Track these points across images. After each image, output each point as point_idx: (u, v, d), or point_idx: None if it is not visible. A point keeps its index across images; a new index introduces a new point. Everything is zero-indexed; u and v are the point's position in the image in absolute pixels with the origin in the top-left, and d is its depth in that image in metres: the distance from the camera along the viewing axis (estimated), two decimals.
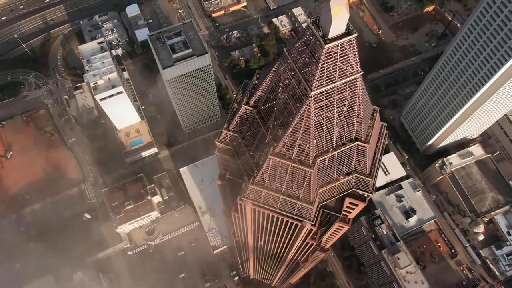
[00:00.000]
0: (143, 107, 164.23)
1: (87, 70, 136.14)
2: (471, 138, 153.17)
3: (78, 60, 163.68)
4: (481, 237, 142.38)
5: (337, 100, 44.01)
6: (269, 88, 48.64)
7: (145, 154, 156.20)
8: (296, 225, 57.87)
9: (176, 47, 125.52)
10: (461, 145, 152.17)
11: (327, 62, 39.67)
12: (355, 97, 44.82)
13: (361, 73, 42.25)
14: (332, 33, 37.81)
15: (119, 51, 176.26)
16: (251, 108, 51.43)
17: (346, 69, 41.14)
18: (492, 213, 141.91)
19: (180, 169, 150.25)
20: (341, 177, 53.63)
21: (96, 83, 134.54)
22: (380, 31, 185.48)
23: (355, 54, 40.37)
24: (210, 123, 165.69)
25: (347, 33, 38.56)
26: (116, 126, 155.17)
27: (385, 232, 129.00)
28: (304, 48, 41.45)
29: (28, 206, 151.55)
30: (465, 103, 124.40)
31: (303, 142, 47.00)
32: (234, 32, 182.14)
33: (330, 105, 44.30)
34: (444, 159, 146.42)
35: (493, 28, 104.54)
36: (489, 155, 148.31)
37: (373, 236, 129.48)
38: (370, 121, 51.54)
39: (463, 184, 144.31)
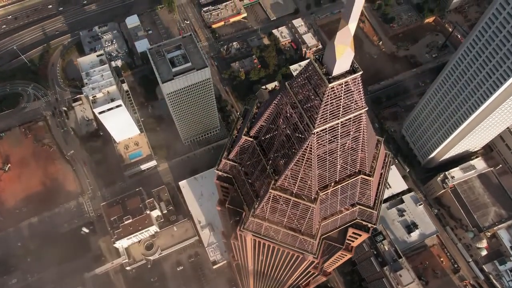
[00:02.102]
0: (142, 119, 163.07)
1: (86, 83, 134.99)
2: (473, 151, 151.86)
3: (77, 72, 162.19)
4: (484, 252, 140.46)
5: (341, 134, 42.69)
6: (270, 120, 47.32)
7: (144, 167, 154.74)
8: (298, 256, 56.31)
9: (176, 61, 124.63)
10: (463, 157, 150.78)
11: (330, 99, 38.41)
12: (359, 131, 43.50)
13: (366, 109, 40.97)
14: (336, 71, 36.57)
15: (119, 63, 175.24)
16: (251, 139, 50.05)
17: (351, 105, 39.87)
18: (495, 228, 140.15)
19: (179, 183, 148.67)
20: (345, 209, 52.14)
21: (95, 96, 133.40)
22: (381, 42, 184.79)
23: (359, 90, 39.13)
24: (210, 135, 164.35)
25: (352, 70, 37.30)
26: (115, 138, 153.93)
27: (387, 249, 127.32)
28: (306, 83, 40.20)
29: (25, 220, 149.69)
30: (468, 117, 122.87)
31: (305, 176, 45.63)
32: (234, 43, 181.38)
33: (334, 140, 42.97)
34: (446, 172, 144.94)
35: (495, 44, 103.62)
36: (491, 169, 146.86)
37: (375, 252, 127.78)
38: (374, 152, 50.20)
39: (466, 198, 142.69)
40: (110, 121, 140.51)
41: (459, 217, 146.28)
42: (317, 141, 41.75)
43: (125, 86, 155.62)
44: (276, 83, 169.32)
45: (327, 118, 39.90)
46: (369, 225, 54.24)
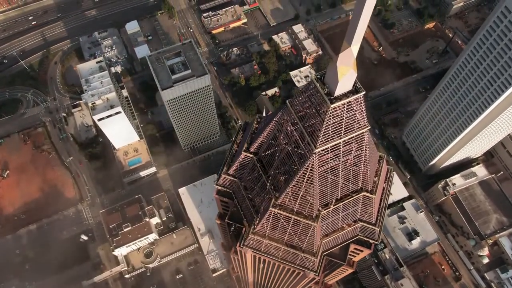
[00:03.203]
0: (141, 125, 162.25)
1: (86, 90, 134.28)
2: (474, 157, 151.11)
3: (76, 77, 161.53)
4: (485, 260, 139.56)
5: (342, 153, 41.97)
6: (271, 137, 46.59)
7: (143, 173, 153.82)
8: (299, 272, 55.47)
9: (176, 68, 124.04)
10: (464, 164, 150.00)
11: (332, 119, 37.69)
12: (361, 149, 42.80)
13: (368, 127, 40.25)
14: (338, 92, 35.87)
15: (118, 68, 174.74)
16: (251, 155, 49.30)
17: (353, 125, 39.15)
18: (497, 236, 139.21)
19: (179, 190, 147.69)
20: (346, 225, 51.35)
21: (95, 103, 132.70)
22: (381, 48, 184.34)
23: (362, 110, 38.43)
24: (210, 141, 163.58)
25: (355, 90, 36.59)
26: (114, 145, 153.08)
27: (388, 257, 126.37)
28: (307, 101, 39.48)
29: (24, 227, 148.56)
30: (469, 124, 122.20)
31: (307, 194, 44.87)
32: (234, 49, 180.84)
33: (335, 158, 42.24)
34: (447, 179, 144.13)
35: (497, 52, 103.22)
36: (492, 176, 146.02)
37: (376, 260, 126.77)
38: (376, 168, 49.44)
39: (467, 206, 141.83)
40: (109, 127, 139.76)
41: (460, 225, 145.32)
42: (318, 160, 41.04)
43: (124, 92, 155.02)
44: (276, 89, 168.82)
45: (328, 138, 39.19)
46: (371, 241, 53.45)
